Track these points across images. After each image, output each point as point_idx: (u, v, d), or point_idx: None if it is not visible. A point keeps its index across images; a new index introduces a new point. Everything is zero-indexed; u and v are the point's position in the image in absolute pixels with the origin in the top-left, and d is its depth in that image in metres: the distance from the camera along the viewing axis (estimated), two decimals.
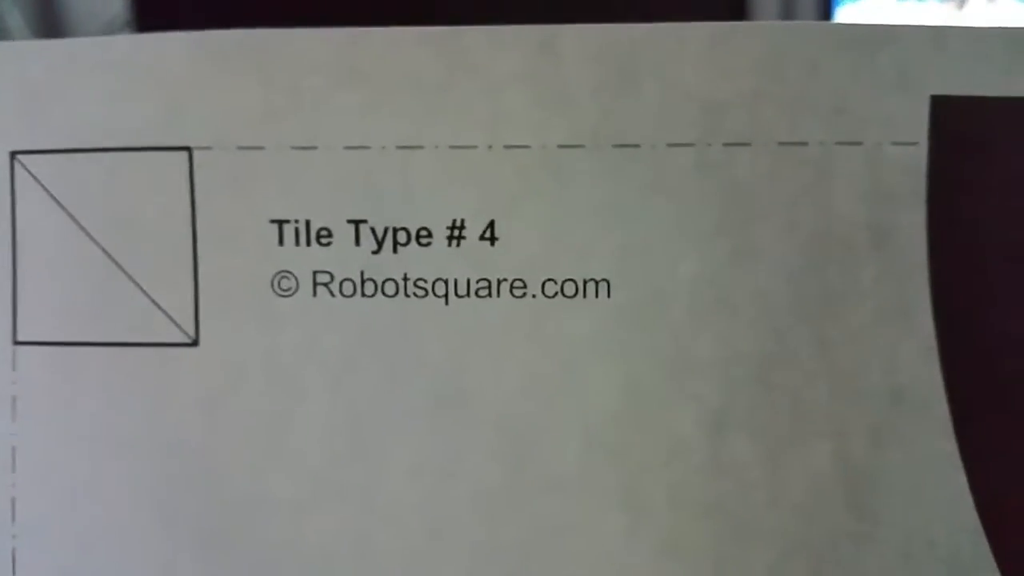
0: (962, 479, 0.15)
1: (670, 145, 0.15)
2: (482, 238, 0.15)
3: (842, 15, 0.57)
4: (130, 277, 0.16)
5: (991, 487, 0.15)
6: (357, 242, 0.15)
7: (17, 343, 0.16)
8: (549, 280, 0.15)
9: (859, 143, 0.15)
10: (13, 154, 0.16)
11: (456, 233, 0.15)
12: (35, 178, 0.16)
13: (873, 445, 0.15)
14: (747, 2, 0.46)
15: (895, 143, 0.15)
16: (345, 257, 0.15)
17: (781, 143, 0.15)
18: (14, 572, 0.16)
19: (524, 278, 0.15)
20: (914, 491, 0.15)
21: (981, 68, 0.15)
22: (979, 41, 0.15)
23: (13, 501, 0.16)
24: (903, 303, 0.15)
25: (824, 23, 0.15)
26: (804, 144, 0.15)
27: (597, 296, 0.15)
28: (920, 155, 0.15)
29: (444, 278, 0.15)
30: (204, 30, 0.15)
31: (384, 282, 0.15)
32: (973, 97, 0.15)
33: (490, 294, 0.15)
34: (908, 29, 0.15)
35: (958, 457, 0.15)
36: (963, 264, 0.15)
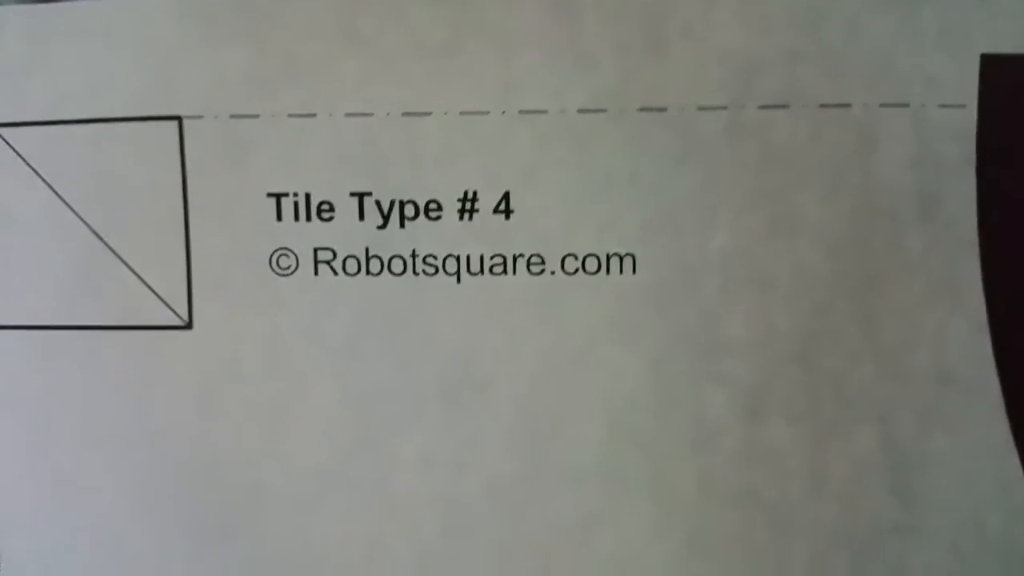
0: (1015, 464, 0.14)
1: (700, 108, 0.14)
2: (496, 211, 0.14)
3: None
4: (118, 256, 0.15)
5: None
6: (361, 216, 0.14)
7: None
8: (569, 256, 0.14)
9: (905, 105, 0.14)
10: None
11: (468, 206, 0.14)
12: (16, 152, 0.15)
13: (920, 429, 0.14)
14: None
15: (942, 105, 0.14)
16: (348, 233, 0.14)
17: (822, 105, 0.14)
18: None
19: (542, 253, 0.14)
20: (964, 477, 0.14)
21: None
22: None
23: None
24: (952, 278, 0.14)
25: None
26: (847, 106, 0.14)
27: (621, 272, 0.14)
28: (969, 118, 0.14)
29: (455, 254, 0.14)
30: None
31: (391, 259, 0.14)
32: None
33: (505, 271, 0.14)
34: None
35: (1011, 441, 0.14)
36: (1016, 236, 0.14)
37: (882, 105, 0.14)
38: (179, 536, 0.15)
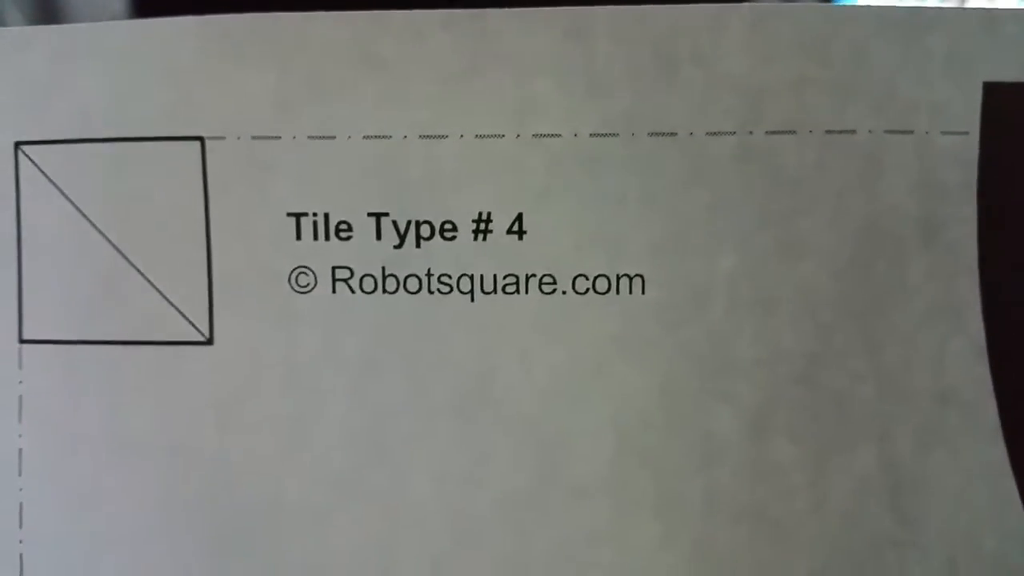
0: (1011, 485, 0.14)
1: (709, 133, 0.14)
2: (510, 231, 0.15)
3: None
4: (140, 272, 0.15)
5: None
6: (378, 236, 0.15)
7: (23, 342, 0.15)
8: (580, 276, 0.15)
9: (909, 132, 0.14)
10: (17, 144, 0.15)
11: (482, 226, 0.15)
12: (40, 169, 0.15)
13: (920, 448, 0.14)
14: None
15: (945, 132, 0.14)
16: (366, 252, 0.15)
17: (828, 131, 0.14)
18: (21, 570, 0.15)
19: (554, 274, 0.15)
20: (961, 497, 0.14)
21: None
22: None
23: (21, 506, 0.15)
24: (953, 301, 0.14)
25: (870, 5, 0.14)
26: (852, 132, 0.14)
27: (631, 293, 0.14)
28: (972, 145, 0.14)
29: (470, 274, 0.15)
30: (214, 14, 0.14)
31: (407, 278, 0.15)
32: None
33: (518, 291, 0.15)
34: (958, 12, 0.14)
35: (1007, 463, 0.14)
36: (1016, 261, 0.14)
37: (887, 132, 0.14)
38: (199, 547, 0.15)
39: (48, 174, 0.15)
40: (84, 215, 0.15)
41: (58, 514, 0.15)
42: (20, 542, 0.15)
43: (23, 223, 0.15)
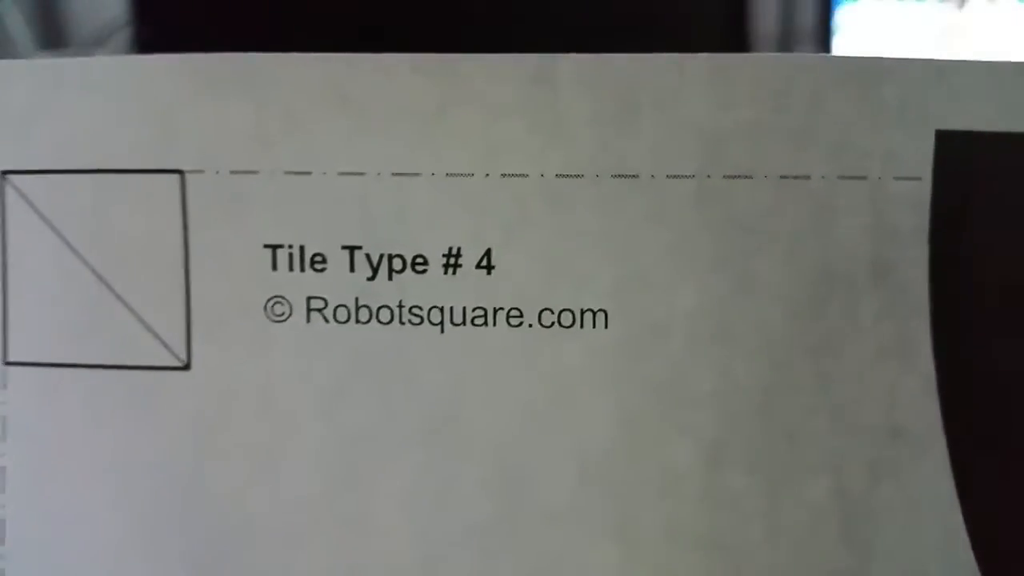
0: (958, 517, 0.15)
1: (670, 176, 0.15)
2: (479, 266, 0.15)
3: (842, 14, 0.57)
4: (121, 299, 0.15)
5: (987, 526, 0.15)
6: (352, 268, 0.15)
7: (8, 363, 0.16)
8: (546, 310, 0.15)
9: (863, 177, 0.15)
10: (3, 173, 0.15)
11: (452, 261, 0.15)
12: (25, 198, 0.15)
13: (871, 480, 0.15)
14: (747, 4, 0.46)
15: (898, 178, 0.15)
16: (339, 283, 0.15)
17: (783, 176, 0.15)
18: None
19: (521, 307, 0.15)
20: (909, 528, 0.15)
21: (986, 102, 0.15)
22: (984, 74, 0.15)
23: (3, 522, 0.16)
24: (903, 340, 0.15)
25: (825, 55, 0.15)
26: (807, 178, 0.15)
27: (594, 327, 0.15)
28: (924, 191, 0.15)
29: (440, 306, 0.15)
30: (195, 52, 0.15)
31: (379, 309, 0.15)
32: (978, 132, 0.15)
33: (486, 323, 0.15)
34: (911, 63, 0.15)
35: (955, 495, 0.15)
36: (965, 302, 0.15)
37: (840, 177, 0.15)
38: (176, 567, 0.16)
39: (33, 203, 0.15)
40: (67, 243, 0.15)
41: (39, 531, 0.16)
42: (2, 558, 0.16)
43: (8, 249, 0.16)
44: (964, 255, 0.15)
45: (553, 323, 0.15)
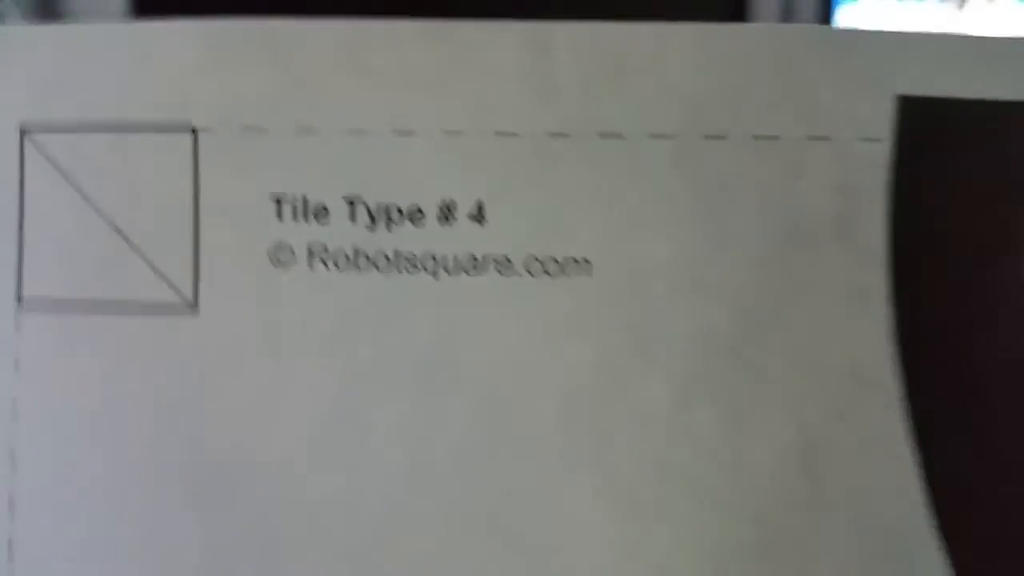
0: (908, 454, 0.16)
1: (652, 136, 0.16)
2: (471, 218, 0.16)
3: (842, 14, 0.57)
4: (132, 244, 0.16)
5: (938, 464, 0.16)
6: (352, 218, 0.16)
7: (21, 300, 0.17)
8: (534, 259, 0.16)
9: (828, 138, 0.16)
10: (23, 132, 0.16)
11: (447, 212, 0.16)
12: (44, 155, 0.16)
13: (829, 417, 0.16)
14: (747, 2, 0.46)
15: (862, 139, 0.16)
16: (341, 232, 0.16)
17: (756, 136, 0.16)
18: (12, 515, 0.17)
19: (510, 257, 0.16)
20: (863, 463, 0.16)
21: (944, 71, 0.16)
22: (943, 46, 0.16)
23: (13, 452, 0.17)
24: (863, 289, 0.16)
25: (799, 25, 0.16)
26: (776, 138, 0.16)
27: (579, 275, 0.16)
28: (884, 151, 0.16)
29: (434, 255, 0.16)
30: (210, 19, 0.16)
31: (377, 257, 0.16)
32: (936, 98, 0.16)
33: (478, 271, 0.16)
34: (876, 33, 0.16)
35: (907, 433, 0.16)
36: (920, 254, 0.16)
37: (808, 138, 0.16)
38: (182, 500, 0.16)
39: (51, 159, 0.16)
40: (82, 193, 0.16)
41: (49, 463, 0.17)
42: (12, 484, 0.17)
43: (26, 203, 0.16)
44: (920, 210, 0.16)
45: (540, 272, 0.16)
